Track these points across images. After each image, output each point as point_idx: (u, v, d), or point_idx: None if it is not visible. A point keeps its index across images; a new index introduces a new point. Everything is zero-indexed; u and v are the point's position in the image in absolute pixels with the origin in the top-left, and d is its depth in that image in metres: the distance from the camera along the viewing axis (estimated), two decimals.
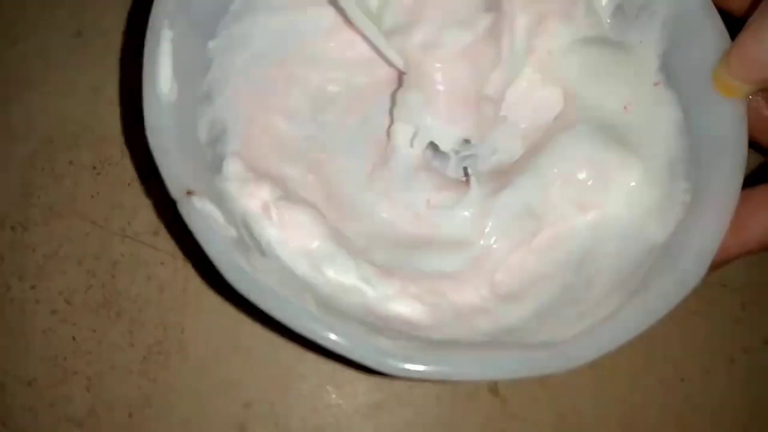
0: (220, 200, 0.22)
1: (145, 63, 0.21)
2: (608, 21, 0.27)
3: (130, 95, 0.31)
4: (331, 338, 0.19)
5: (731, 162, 0.23)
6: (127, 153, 0.30)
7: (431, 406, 0.28)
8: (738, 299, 0.31)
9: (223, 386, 0.27)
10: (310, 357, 0.28)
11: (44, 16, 0.32)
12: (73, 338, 0.27)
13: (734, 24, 0.24)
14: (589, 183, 0.26)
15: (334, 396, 0.27)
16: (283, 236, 0.23)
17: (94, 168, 0.30)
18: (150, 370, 0.27)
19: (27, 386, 0.27)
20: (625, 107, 0.27)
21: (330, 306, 0.21)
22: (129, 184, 0.29)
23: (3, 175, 0.29)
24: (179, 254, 0.29)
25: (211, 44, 0.25)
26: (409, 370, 0.19)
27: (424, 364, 0.19)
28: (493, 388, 0.28)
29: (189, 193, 0.20)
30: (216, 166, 0.23)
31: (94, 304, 0.28)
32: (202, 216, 0.20)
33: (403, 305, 0.23)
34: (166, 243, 0.29)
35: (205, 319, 0.28)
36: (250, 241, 0.21)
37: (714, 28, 0.24)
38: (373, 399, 0.27)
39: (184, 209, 0.20)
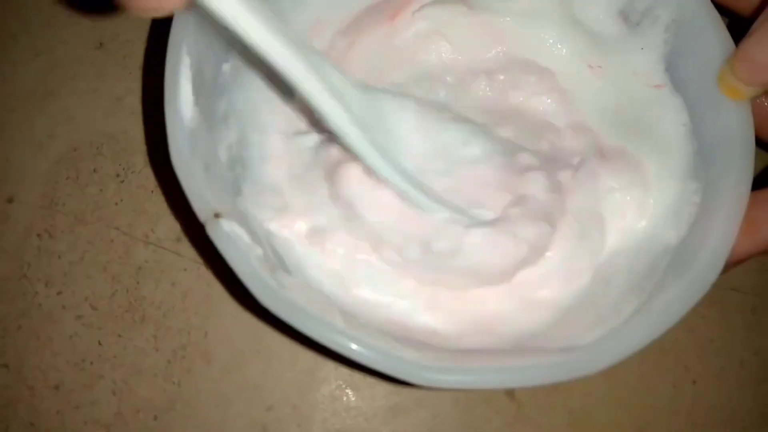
0: (244, 220, 0.22)
1: (166, 88, 0.22)
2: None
3: (152, 104, 0.31)
4: (362, 353, 0.20)
5: (739, 163, 0.23)
6: (149, 161, 0.30)
7: (449, 409, 0.28)
8: (749, 303, 0.31)
9: (246, 390, 0.28)
10: (330, 362, 0.28)
11: (67, 28, 0.33)
12: (99, 343, 0.28)
13: (736, 27, 0.24)
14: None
15: (354, 399, 0.28)
16: (317, 261, 0.23)
17: (118, 176, 0.30)
18: (174, 374, 0.28)
19: (54, 390, 0.27)
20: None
21: (355, 319, 0.22)
22: (152, 192, 0.30)
23: (28, 183, 0.30)
24: (201, 261, 0.29)
25: (224, 66, 0.25)
26: (438, 380, 0.20)
27: (452, 375, 0.20)
28: (510, 391, 0.29)
29: (216, 215, 0.20)
30: (237, 187, 0.24)
31: (119, 310, 0.28)
32: (231, 238, 0.20)
33: (430, 317, 0.24)
34: (188, 249, 0.29)
35: (228, 324, 0.28)
36: (275, 259, 0.22)
37: (716, 32, 0.24)
38: (391, 402, 0.28)
39: (212, 232, 0.20)
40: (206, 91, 0.24)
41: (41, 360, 0.28)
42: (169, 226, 0.30)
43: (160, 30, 0.33)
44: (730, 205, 0.23)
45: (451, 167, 0.25)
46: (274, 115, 0.28)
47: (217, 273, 0.29)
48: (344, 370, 0.28)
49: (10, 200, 0.30)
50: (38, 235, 0.29)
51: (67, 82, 0.32)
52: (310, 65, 0.20)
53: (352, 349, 0.19)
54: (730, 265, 0.22)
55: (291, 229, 0.25)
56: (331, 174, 0.25)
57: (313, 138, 0.27)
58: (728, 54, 0.24)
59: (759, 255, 0.23)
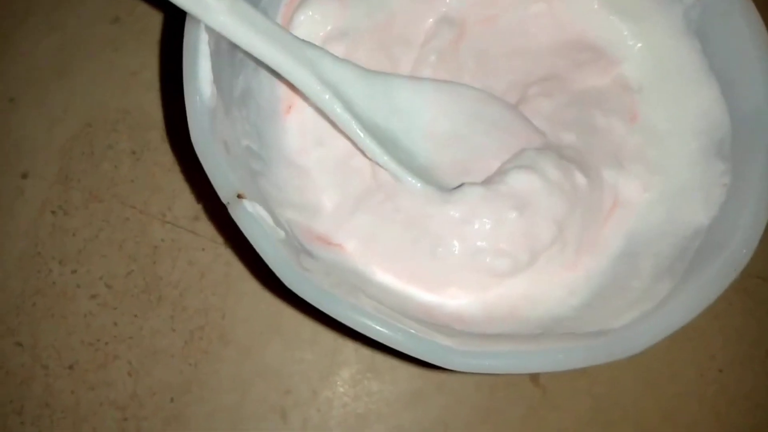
0: (265, 202, 0.22)
1: (185, 66, 0.21)
2: None
3: (169, 80, 0.31)
4: (392, 337, 0.19)
5: None
6: (166, 138, 0.30)
7: (471, 394, 0.28)
8: None
9: (265, 372, 0.27)
10: (350, 343, 0.28)
11: (82, 2, 0.32)
12: (115, 323, 0.27)
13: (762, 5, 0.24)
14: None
15: (375, 383, 0.27)
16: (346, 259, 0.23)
17: (134, 153, 0.30)
18: (191, 355, 0.27)
19: (69, 369, 0.27)
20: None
21: (381, 301, 0.21)
22: (168, 169, 0.29)
23: (43, 159, 0.29)
24: (220, 240, 0.28)
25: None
26: (470, 365, 0.19)
27: (484, 360, 0.19)
28: (534, 376, 0.28)
29: (239, 196, 0.20)
30: (256, 168, 0.23)
31: (135, 289, 0.28)
32: (254, 219, 0.20)
33: (456, 303, 0.23)
34: (206, 228, 0.29)
35: (246, 304, 0.28)
36: (297, 243, 0.21)
37: (744, 8, 0.24)
38: (413, 386, 0.27)
39: (235, 213, 0.20)
40: (224, 69, 0.23)
41: (55, 339, 0.27)
42: (186, 204, 0.29)
43: (175, 5, 0.32)
44: (760, 185, 0.23)
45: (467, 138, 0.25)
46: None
47: (236, 252, 0.28)
48: (365, 353, 0.28)
49: (24, 176, 0.29)
50: (52, 212, 0.29)
51: (82, 57, 0.31)
52: (295, 56, 0.22)
53: (382, 332, 0.19)
54: None
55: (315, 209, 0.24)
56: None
57: None
58: (757, 37, 0.23)
59: None
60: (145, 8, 0.32)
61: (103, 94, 0.30)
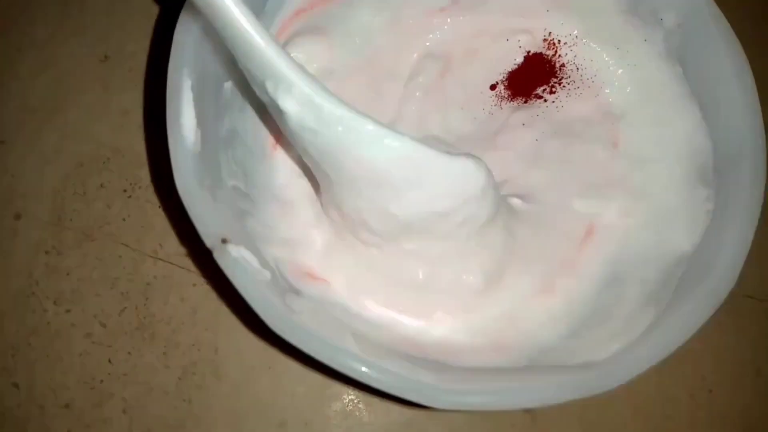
0: (251, 243, 0.22)
1: (168, 113, 0.22)
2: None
3: (155, 119, 0.31)
4: (379, 379, 0.19)
5: (751, 166, 0.23)
6: (155, 176, 0.30)
7: (463, 424, 0.28)
8: (765, 310, 0.31)
9: (258, 405, 0.27)
10: (341, 380, 0.28)
11: (73, 41, 0.32)
12: (109, 361, 0.28)
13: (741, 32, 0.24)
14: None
15: (366, 414, 0.28)
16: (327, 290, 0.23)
17: (125, 191, 0.30)
18: (185, 391, 0.27)
19: (65, 408, 0.27)
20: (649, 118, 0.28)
21: (367, 340, 0.21)
22: (159, 206, 0.30)
23: (36, 199, 0.30)
24: (210, 277, 0.29)
25: (225, 86, 0.25)
26: (459, 403, 0.19)
27: (472, 397, 0.20)
28: None
29: (224, 241, 0.20)
30: (243, 208, 0.24)
31: (129, 327, 0.28)
32: (239, 264, 0.20)
33: (442, 332, 0.23)
34: (197, 264, 0.29)
35: (238, 339, 0.28)
36: (284, 282, 0.22)
37: (724, 36, 0.24)
38: (405, 417, 0.28)
39: (220, 259, 0.20)
40: (209, 112, 0.23)
41: (51, 379, 0.27)
42: (177, 241, 0.29)
43: (164, 42, 0.32)
44: (743, 210, 0.23)
45: None
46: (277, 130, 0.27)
47: (225, 293, 0.28)
48: (356, 386, 0.28)
49: (17, 217, 0.30)
50: (46, 252, 0.29)
51: (73, 95, 0.32)
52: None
53: (368, 375, 0.19)
54: None
55: (302, 244, 0.25)
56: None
57: None
58: (738, 63, 0.24)
59: None
60: (134, 46, 0.32)
61: (95, 133, 0.31)
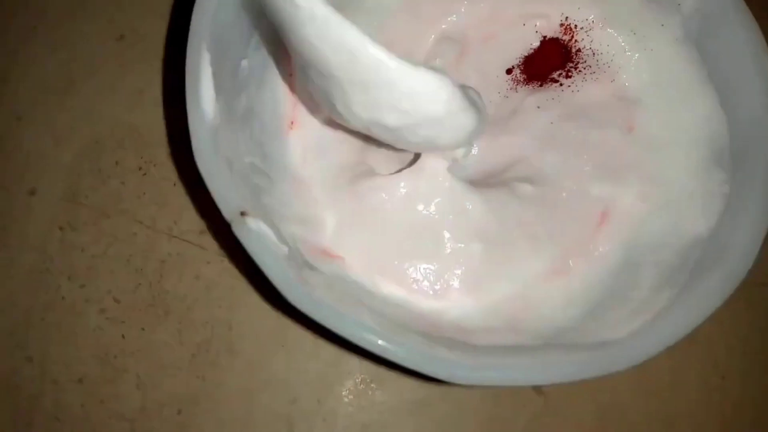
0: (268, 218, 0.22)
1: (187, 86, 0.22)
2: None
3: (173, 97, 0.31)
4: (396, 351, 0.19)
5: (767, 154, 0.23)
6: (171, 154, 0.30)
7: (475, 403, 0.28)
8: None
9: (271, 383, 0.27)
10: (355, 354, 0.28)
11: (87, 21, 0.33)
12: (123, 336, 0.28)
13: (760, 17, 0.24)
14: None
15: (379, 393, 0.28)
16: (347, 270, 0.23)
17: (140, 169, 0.30)
18: (198, 368, 0.27)
19: (78, 383, 0.27)
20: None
21: (384, 316, 0.21)
22: (174, 184, 0.30)
23: (51, 176, 0.30)
24: (225, 253, 0.29)
25: (243, 63, 0.25)
26: (472, 378, 0.19)
27: (486, 372, 0.20)
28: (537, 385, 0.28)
29: (242, 214, 0.20)
30: (260, 184, 0.24)
31: (143, 303, 0.28)
32: (257, 236, 0.20)
33: (459, 312, 0.24)
34: (212, 242, 0.29)
35: (252, 316, 0.28)
36: (300, 258, 0.22)
37: (743, 19, 0.24)
38: (417, 396, 0.28)
39: (239, 231, 0.20)
40: (226, 88, 0.23)
41: (65, 353, 0.28)
42: (192, 218, 0.29)
43: (179, 23, 0.33)
44: (760, 193, 0.23)
45: None
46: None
47: (241, 267, 0.29)
48: (369, 363, 0.28)
49: (32, 192, 0.30)
50: (61, 228, 0.29)
51: (88, 75, 0.32)
52: None
53: (385, 347, 0.19)
54: None
55: (317, 224, 0.25)
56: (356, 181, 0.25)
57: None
58: (756, 48, 0.24)
59: None
60: (149, 26, 0.32)
61: (110, 111, 0.31)
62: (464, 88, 0.22)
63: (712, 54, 0.26)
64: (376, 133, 0.22)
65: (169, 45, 0.32)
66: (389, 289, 0.25)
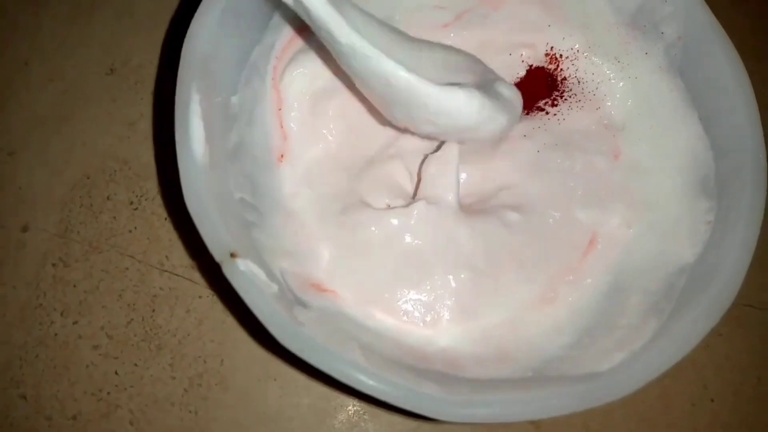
0: (258, 256, 0.22)
1: (177, 128, 0.22)
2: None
3: (163, 131, 0.31)
4: (386, 391, 0.20)
5: (752, 177, 0.24)
6: (162, 188, 0.30)
7: None
8: (764, 319, 0.31)
9: (263, 417, 0.28)
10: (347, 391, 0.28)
11: (79, 53, 0.33)
12: (116, 372, 0.28)
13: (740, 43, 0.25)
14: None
15: (371, 425, 0.28)
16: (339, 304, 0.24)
17: (131, 203, 0.30)
18: (191, 403, 0.28)
19: (72, 420, 0.27)
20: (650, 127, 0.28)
21: (374, 352, 0.22)
22: (165, 218, 0.30)
23: (43, 211, 0.30)
24: (216, 289, 0.29)
25: (233, 99, 0.26)
26: (464, 415, 0.20)
27: (477, 409, 0.20)
28: None
29: (233, 255, 0.20)
30: (250, 220, 0.24)
31: (135, 338, 0.28)
32: (247, 277, 0.20)
33: (448, 342, 0.24)
34: (203, 276, 0.29)
35: (244, 350, 0.28)
36: (291, 295, 0.22)
37: (724, 47, 0.25)
38: (409, 428, 0.28)
39: (229, 272, 0.20)
40: (217, 126, 0.24)
41: (59, 390, 0.28)
42: (183, 253, 0.30)
43: (169, 55, 0.33)
44: (744, 221, 0.23)
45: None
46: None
47: (231, 303, 0.29)
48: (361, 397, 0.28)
49: (25, 228, 0.30)
50: (53, 264, 0.29)
51: (80, 107, 0.32)
52: None
53: (375, 388, 0.19)
54: None
55: (310, 256, 0.25)
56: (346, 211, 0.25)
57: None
58: (738, 75, 0.24)
59: None
60: (140, 58, 0.33)
61: (102, 145, 0.31)
62: (496, 84, 0.25)
63: (695, 81, 0.27)
64: (421, 134, 0.26)
65: (161, 77, 0.32)
66: (380, 319, 0.25)
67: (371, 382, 0.20)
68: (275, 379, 0.28)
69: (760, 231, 0.23)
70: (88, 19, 0.33)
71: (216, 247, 0.21)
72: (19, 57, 0.33)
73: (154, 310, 0.29)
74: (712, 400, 0.30)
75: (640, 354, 0.22)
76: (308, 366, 0.20)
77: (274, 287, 0.21)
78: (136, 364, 0.28)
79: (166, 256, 0.29)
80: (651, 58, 0.28)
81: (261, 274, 0.21)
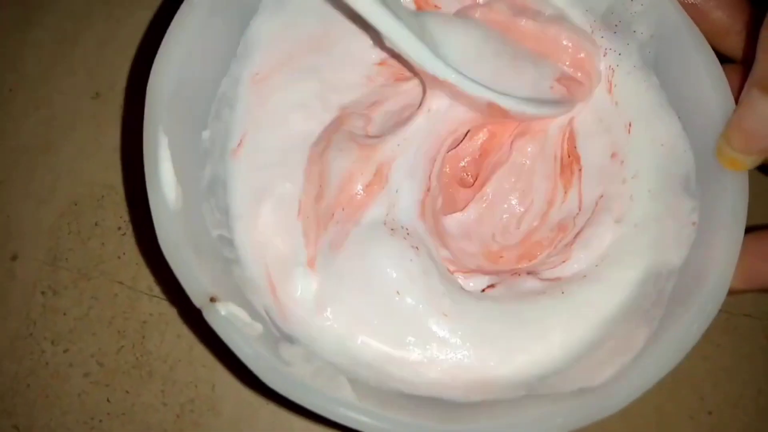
0: (240, 294, 0.22)
1: (147, 175, 0.22)
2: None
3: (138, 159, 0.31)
4: (377, 426, 0.20)
5: (732, 176, 0.23)
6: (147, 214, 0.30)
7: None
8: (762, 328, 0.31)
9: None
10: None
11: (64, 79, 0.33)
12: (108, 400, 0.28)
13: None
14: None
15: None
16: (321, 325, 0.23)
17: (119, 229, 0.30)
18: (184, 429, 0.28)
19: None
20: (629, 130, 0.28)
21: (363, 383, 0.21)
22: (154, 242, 0.30)
23: (32, 240, 0.30)
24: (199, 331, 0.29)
25: (204, 134, 0.25)
26: None
27: None
28: None
29: (212, 300, 0.20)
30: (229, 258, 0.24)
31: (126, 365, 0.28)
32: (228, 322, 0.20)
33: (437, 372, 0.23)
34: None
35: (236, 375, 0.28)
36: (276, 331, 0.22)
37: (697, 43, 0.24)
38: None
39: (210, 317, 0.20)
40: (189, 163, 0.23)
41: (51, 419, 0.28)
42: (173, 277, 0.29)
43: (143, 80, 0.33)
44: (729, 221, 0.23)
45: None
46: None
47: (214, 351, 0.29)
48: None
49: (14, 258, 0.30)
50: (42, 293, 0.29)
51: (66, 134, 0.32)
52: None
53: (368, 424, 0.20)
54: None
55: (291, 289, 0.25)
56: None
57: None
58: (713, 72, 0.24)
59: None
60: (125, 83, 0.33)
61: (88, 171, 0.31)
62: None
63: (670, 79, 0.26)
64: None
65: (143, 104, 0.32)
66: (370, 348, 0.24)
67: (364, 419, 0.20)
68: (267, 404, 0.28)
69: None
70: (72, 44, 0.33)
71: (195, 293, 0.21)
72: (3, 84, 0.33)
73: (144, 336, 0.29)
74: (710, 413, 0.29)
75: (631, 366, 0.22)
76: (297, 409, 0.20)
77: (259, 327, 0.21)
78: (127, 392, 0.28)
79: (156, 281, 0.29)
80: (624, 57, 0.28)
81: (243, 315, 0.21)
